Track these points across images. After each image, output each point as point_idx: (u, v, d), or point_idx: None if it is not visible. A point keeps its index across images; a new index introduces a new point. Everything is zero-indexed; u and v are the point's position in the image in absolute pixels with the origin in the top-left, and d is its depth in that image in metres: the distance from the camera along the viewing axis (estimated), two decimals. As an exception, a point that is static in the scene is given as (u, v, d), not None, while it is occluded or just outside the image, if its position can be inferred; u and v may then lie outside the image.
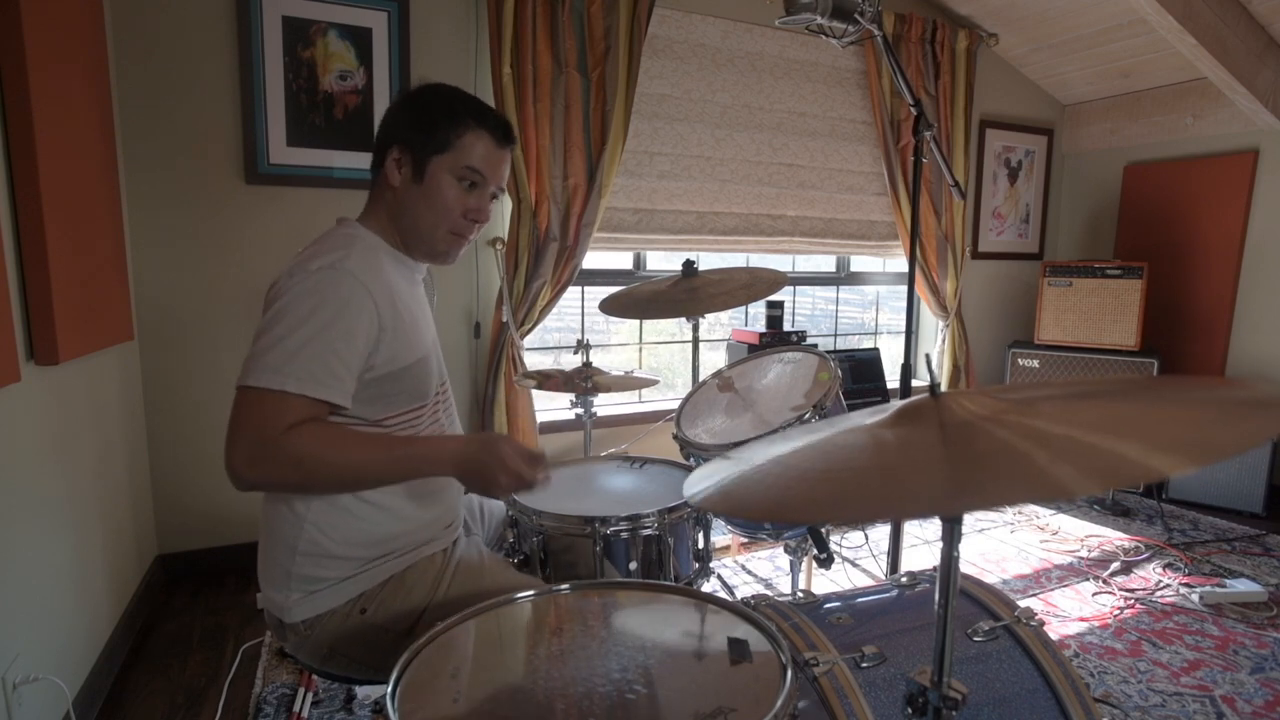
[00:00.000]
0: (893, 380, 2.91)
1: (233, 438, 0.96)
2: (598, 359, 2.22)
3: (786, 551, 1.81)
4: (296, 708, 1.72)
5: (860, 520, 0.75)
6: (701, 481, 0.79)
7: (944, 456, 0.63)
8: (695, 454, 1.56)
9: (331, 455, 0.99)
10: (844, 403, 1.58)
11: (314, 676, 1.80)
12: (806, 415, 1.47)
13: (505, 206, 2.70)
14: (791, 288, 3.63)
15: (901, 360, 2.16)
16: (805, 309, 3.88)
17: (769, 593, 1.84)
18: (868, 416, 0.78)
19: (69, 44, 1.71)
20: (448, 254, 1.21)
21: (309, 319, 1.00)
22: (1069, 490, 0.52)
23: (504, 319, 2.69)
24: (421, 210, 1.16)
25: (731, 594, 2.21)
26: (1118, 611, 2.26)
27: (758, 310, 3.42)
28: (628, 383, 2.13)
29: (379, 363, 1.08)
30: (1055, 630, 2.14)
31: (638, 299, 2.09)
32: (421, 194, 1.15)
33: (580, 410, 2.09)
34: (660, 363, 3.62)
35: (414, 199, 1.16)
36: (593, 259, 2.98)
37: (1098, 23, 3.30)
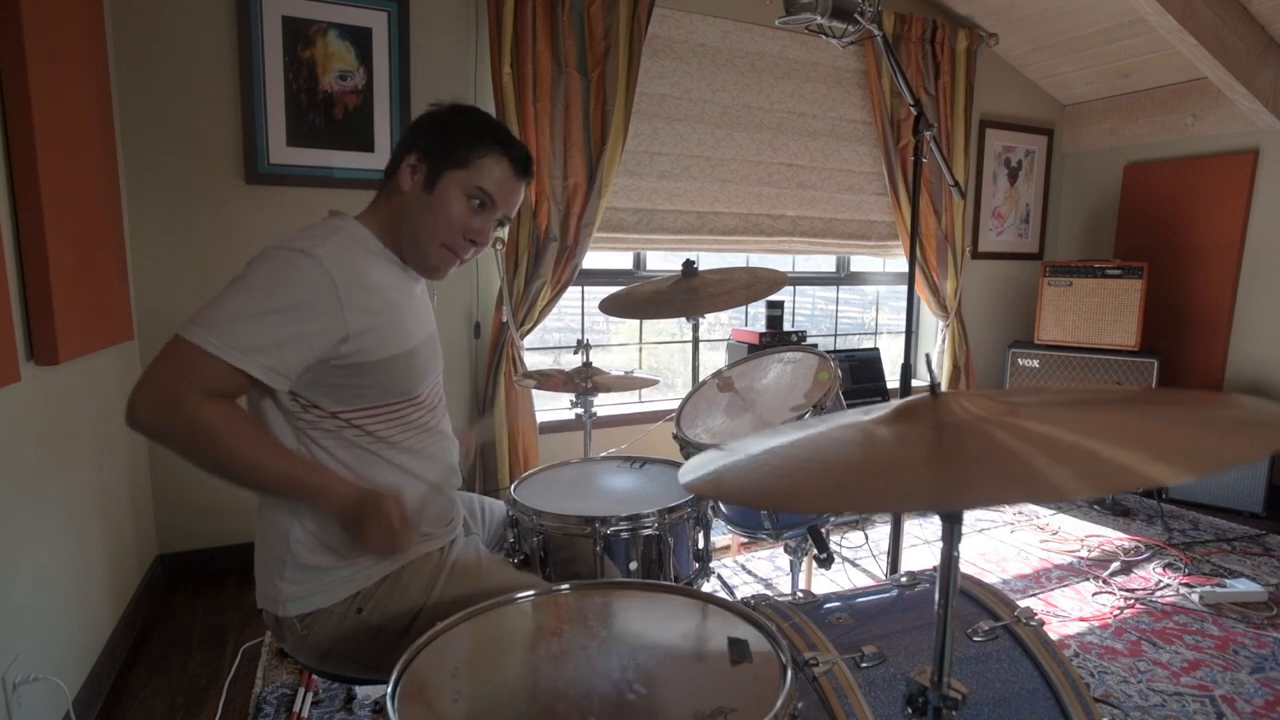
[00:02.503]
0: (893, 380, 2.91)
1: (145, 378, 0.97)
2: (598, 359, 2.22)
3: (786, 551, 1.81)
4: (296, 708, 1.72)
5: (849, 510, 0.75)
6: (696, 469, 0.79)
7: (937, 453, 0.63)
8: (695, 454, 1.56)
9: (231, 442, 0.98)
10: (844, 402, 1.58)
11: (314, 676, 1.80)
12: (806, 415, 1.47)
13: (505, 206, 2.70)
14: (791, 288, 3.64)
15: (901, 360, 2.16)
16: (805, 309, 3.88)
17: (769, 593, 1.84)
18: (865, 414, 0.78)
19: (69, 44, 1.71)
20: (438, 269, 1.21)
21: (257, 292, 1.01)
22: (1062, 492, 0.52)
23: (504, 319, 2.69)
24: (423, 219, 1.16)
25: (731, 594, 2.21)
26: (1118, 611, 2.25)
27: (758, 310, 3.42)
28: (628, 383, 2.13)
29: (347, 351, 1.06)
30: (1055, 630, 2.14)
31: (638, 299, 2.09)
32: (428, 204, 1.15)
33: (580, 410, 2.09)
34: (660, 363, 3.62)
35: (419, 207, 1.16)
36: (593, 259, 2.98)
37: (1098, 23, 3.30)
